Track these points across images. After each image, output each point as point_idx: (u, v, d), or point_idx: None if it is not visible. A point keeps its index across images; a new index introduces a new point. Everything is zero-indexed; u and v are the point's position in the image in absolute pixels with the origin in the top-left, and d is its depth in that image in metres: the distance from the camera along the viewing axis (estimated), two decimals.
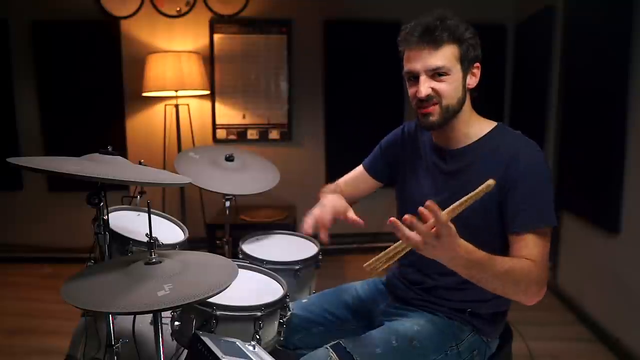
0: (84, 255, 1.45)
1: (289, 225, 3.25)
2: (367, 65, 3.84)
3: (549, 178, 1.26)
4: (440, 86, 1.26)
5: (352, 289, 1.61)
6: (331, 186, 1.63)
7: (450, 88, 1.27)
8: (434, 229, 1.01)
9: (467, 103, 1.33)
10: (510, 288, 1.17)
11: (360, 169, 1.65)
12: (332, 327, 1.54)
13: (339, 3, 3.83)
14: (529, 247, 1.20)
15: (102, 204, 1.28)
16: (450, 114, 1.29)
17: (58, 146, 3.74)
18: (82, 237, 2.77)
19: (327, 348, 1.24)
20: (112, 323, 1.37)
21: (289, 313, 1.48)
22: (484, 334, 1.36)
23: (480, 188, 1.01)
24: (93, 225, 1.31)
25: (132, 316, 1.48)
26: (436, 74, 1.26)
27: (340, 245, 3.81)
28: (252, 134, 3.94)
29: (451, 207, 1.03)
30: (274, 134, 3.95)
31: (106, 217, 1.32)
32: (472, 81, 1.32)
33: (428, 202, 1.00)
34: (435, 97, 1.27)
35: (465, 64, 1.28)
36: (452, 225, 1.03)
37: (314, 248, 1.91)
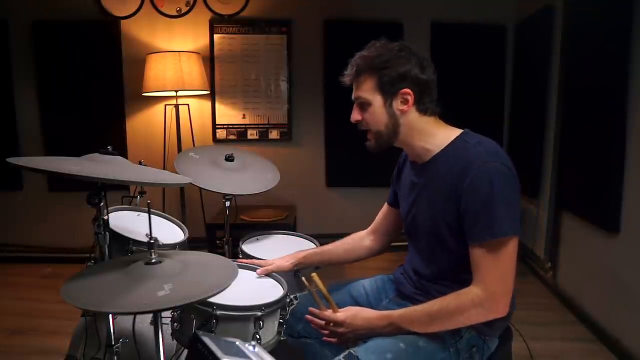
0: (84, 255, 1.45)
1: (289, 225, 3.25)
2: None
3: (500, 189, 1.20)
4: (364, 115, 1.39)
5: (359, 285, 1.64)
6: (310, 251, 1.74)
7: (372, 117, 1.37)
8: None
9: (411, 123, 1.36)
10: (451, 322, 1.26)
11: (385, 205, 1.70)
12: None
13: (339, 3, 3.83)
14: (478, 267, 1.23)
15: (102, 204, 1.28)
16: (385, 138, 1.38)
17: (58, 146, 3.74)
18: (82, 237, 2.79)
19: (340, 359, 1.25)
20: (112, 323, 1.37)
21: (295, 302, 1.56)
22: (481, 333, 1.36)
23: (316, 282, 1.37)
24: (93, 225, 1.31)
25: (132, 316, 1.49)
26: (360, 104, 1.39)
27: None
28: (252, 134, 3.94)
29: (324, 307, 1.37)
30: (274, 134, 3.95)
31: (106, 217, 1.32)
32: (404, 107, 1.34)
33: (307, 317, 1.39)
34: (364, 124, 1.40)
35: (386, 90, 1.33)
36: (340, 315, 1.35)
37: (314, 248, 1.91)
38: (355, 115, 1.40)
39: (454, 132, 1.37)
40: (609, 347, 2.50)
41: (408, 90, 1.33)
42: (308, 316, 1.40)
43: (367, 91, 1.36)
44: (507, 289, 1.24)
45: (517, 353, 1.53)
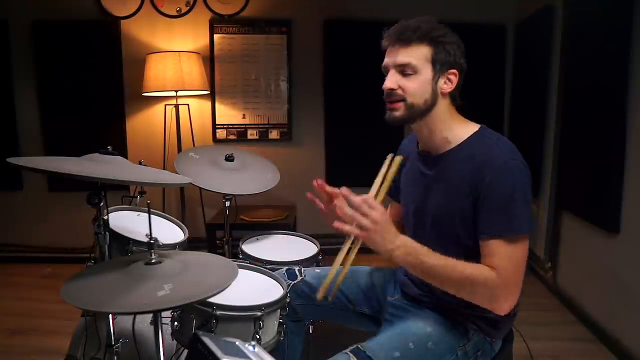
0: (84, 255, 1.45)
1: (289, 225, 3.25)
2: (367, 65, 3.81)
3: (519, 186, 1.23)
4: (405, 83, 1.30)
5: (365, 273, 1.62)
6: None
7: (415, 86, 1.30)
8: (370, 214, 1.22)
9: (444, 107, 1.34)
10: (467, 294, 1.24)
11: (392, 201, 1.67)
12: (338, 305, 1.57)
13: (339, 3, 3.83)
14: (493, 255, 1.22)
15: (102, 204, 1.28)
16: (416, 112, 1.31)
17: (58, 146, 3.74)
18: (82, 237, 2.79)
19: (346, 353, 1.24)
20: (112, 323, 1.37)
21: (299, 278, 1.57)
22: (489, 335, 1.36)
23: (384, 168, 1.22)
24: (93, 225, 1.32)
25: (132, 316, 1.49)
26: (404, 70, 1.30)
27: (341, 245, 3.82)
28: (252, 134, 3.94)
29: (373, 190, 1.24)
30: (274, 134, 3.95)
31: (106, 217, 1.32)
32: (447, 87, 1.32)
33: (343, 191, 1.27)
34: (399, 93, 1.31)
35: (437, 66, 1.30)
36: (384, 210, 1.23)
37: (314, 248, 1.92)
38: (391, 83, 1.31)
39: (472, 127, 1.36)
40: (609, 347, 2.50)
41: (455, 71, 1.32)
42: (344, 190, 1.34)
43: (419, 59, 1.29)
44: (518, 283, 1.24)
45: (517, 353, 1.53)
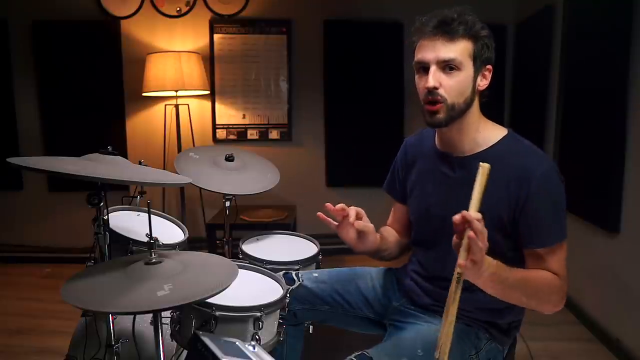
0: (84, 255, 1.45)
1: (289, 225, 3.25)
2: (367, 65, 3.84)
3: (561, 192, 1.23)
4: (448, 81, 1.21)
5: (367, 276, 1.58)
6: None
7: (458, 85, 1.22)
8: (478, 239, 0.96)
9: (476, 106, 1.29)
10: (531, 298, 1.19)
11: (396, 204, 1.59)
12: (339, 309, 1.54)
13: (339, 3, 3.83)
14: (547, 262, 1.22)
15: (102, 204, 1.28)
16: (457, 112, 1.23)
17: (58, 146, 3.74)
18: (82, 237, 2.79)
19: (352, 359, 1.21)
20: (112, 323, 1.37)
21: (297, 283, 1.53)
22: (501, 343, 1.35)
23: (482, 178, 0.99)
24: (93, 225, 1.31)
25: (132, 316, 1.49)
26: (447, 67, 1.21)
27: (341, 245, 3.81)
28: (252, 134, 3.94)
29: (472, 206, 0.98)
30: (274, 134, 3.95)
31: (106, 217, 1.32)
32: (483, 83, 1.27)
33: (464, 213, 0.96)
34: (441, 92, 1.21)
35: (478, 62, 1.24)
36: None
37: (314, 248, 1.91)
38: (434, 81, 1.20)
39: (500, 130, 1.32)
40: (609, 347, 2.50)
41: (490, 67, 1.27)
42: (466, 215, 0.97)
43: (463, 55, 1.21)
44: (567, 287, 1.24)
45: (517, 353, 1.52)
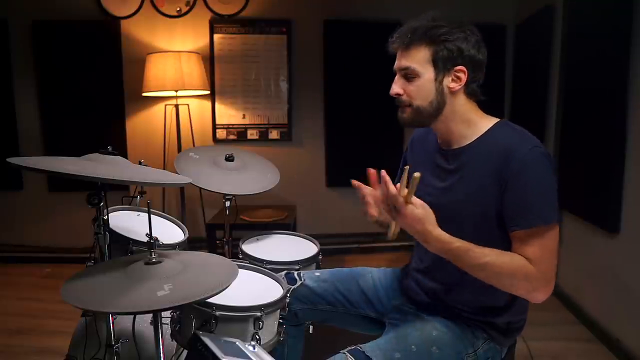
0: (84, 255, 1.45)
1: (289, 225, 3.25)
2: (367, 65, 3.83)
3: (548, 174, 1.22)
4: (408, 87, 1.30)
5: (368, 275, 1.60)
6: None
7: (418, 89, 1.29)
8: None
9: (459, 105, 1.31)
10: (495, 281, 1.21)
11: None
12: (340, 308, 1.55)
13: (339, 3, 3.83)
14: (525, 246, 1.21)
15: (102, 204, 1.28)
16: (423, 114, 1.30)
17: (58, 146, 3.74)
18: (82, 237, 2.79)
19: (344, 353, 1.23)
20: (112, 323, 1.37)
21: (298, 282, 1.54)
22: (499, 344, 1.35)
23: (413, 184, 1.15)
24: (93, 225, 1.31)
25: (132, 316, 1.49)
26: (406, 74, 1.30)
27: (340, 245, 3.82)
28: (252, 134, 3.94)
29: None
30: (274, 134, 3.95)
31: (106, 217, 1.32)
32: (455, 84, 1.28)
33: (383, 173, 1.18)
34: (405, 98, 1.31)
35: (440, 65, 1.27)
36: (411, 206, 1.16)
37: (314, 248, 1.91)
38: (397, 89, 1.31)
39: (491, 121, 1.33)
40: (609, 347, 2.50)
41: (463, 68, 1.27)
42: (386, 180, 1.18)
43: (419, 62, 1.27)
44: (554, 273, 1.23)
45: (517, 353, 1.52)
